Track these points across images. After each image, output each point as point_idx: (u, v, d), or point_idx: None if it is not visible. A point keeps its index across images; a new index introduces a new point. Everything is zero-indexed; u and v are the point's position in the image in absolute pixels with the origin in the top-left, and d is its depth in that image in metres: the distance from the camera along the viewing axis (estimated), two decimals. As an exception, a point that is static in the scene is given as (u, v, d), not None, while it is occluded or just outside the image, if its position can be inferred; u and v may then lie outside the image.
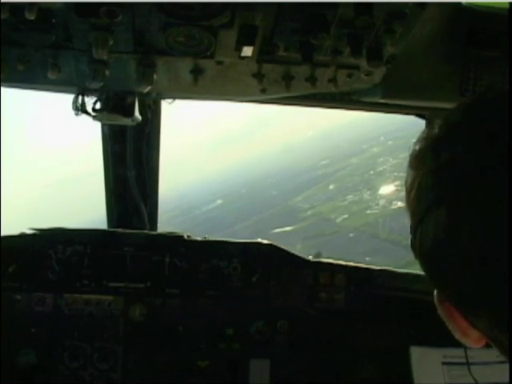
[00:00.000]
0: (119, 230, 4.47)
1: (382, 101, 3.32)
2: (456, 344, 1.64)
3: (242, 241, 4.25)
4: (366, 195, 47.59)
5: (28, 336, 3.96)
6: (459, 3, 2.57)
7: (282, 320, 4.07)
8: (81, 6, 2.33)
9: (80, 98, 3.41)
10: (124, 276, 4.03)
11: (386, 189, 47.46)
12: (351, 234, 33.62)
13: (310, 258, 4.22)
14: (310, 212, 44.71)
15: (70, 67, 2.87)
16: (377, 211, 40.28)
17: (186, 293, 4.04)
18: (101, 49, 2.48)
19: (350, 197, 47.48)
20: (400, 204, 42.49)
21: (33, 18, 2.27)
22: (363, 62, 2.76)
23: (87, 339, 4.02)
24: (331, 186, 53.08)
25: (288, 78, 2.97)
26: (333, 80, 3.00)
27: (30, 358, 3.93)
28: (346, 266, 4.17)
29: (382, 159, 62.71)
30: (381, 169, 59.24)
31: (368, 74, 2.98)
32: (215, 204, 58.50)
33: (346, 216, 40.46)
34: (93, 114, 3.46)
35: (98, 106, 3.44)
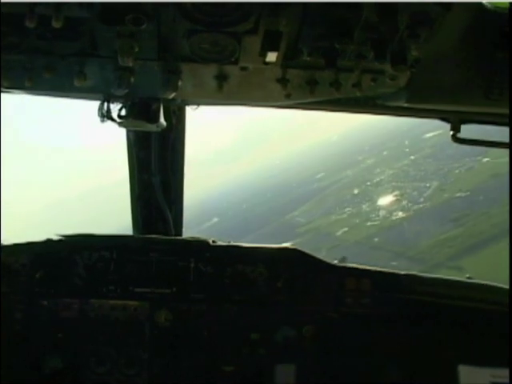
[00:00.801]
0: (145, 235, 4.51)
1: (407, 105, 3.29)
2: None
3: (266, 246, 4.25)
4: (365, 207, 47.16)
5: (54, 341, 4.01)
6: (482, 4, 2.53)
7: (308, 325, 4.05)
8: (107, 15, 2.35)
9: (105, 104, 3.45)
10: (150, 281, 4.06)
11: (385, 199, 46.88)
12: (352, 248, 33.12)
13: (336, 262, 4.20)
14: (308, 226, 44.29)
15: (96, 75, 2.90)
16: (378, 222, 39.76)
17: (211, 298, 4.05)
18: (126, 56, 2.50)
19: (348, 209, 47.05)
20: (401, 214, 42.01)
21: (59, 26, 2.30)
22: (387, 67, 2.73)
23: (113, 344, 4.06)
24: (328, 199, 52.65)
25: (312, 83, 2.97)
26: (357, 85, 2.98)
27: (57, 363, 3.98)
28: (371, 271, 4.15)
29: (378, 170, 61.95)
30: (378, 179, 58.56)
31: (392, 78, 2.96)
32: (211, 222, 57.90)
33: (346, 229, 40.13)
34: (118, 120, 3.49)
35: (123, 112, 3.47)
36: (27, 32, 2.47)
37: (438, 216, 37.88)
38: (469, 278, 4.31)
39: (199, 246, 4.13)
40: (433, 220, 36.33)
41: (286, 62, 2.77)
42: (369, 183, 56.45)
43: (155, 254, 4.06)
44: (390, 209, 43.77)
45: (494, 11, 2.55)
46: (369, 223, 41.03)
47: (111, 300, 4.04)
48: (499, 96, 3.01)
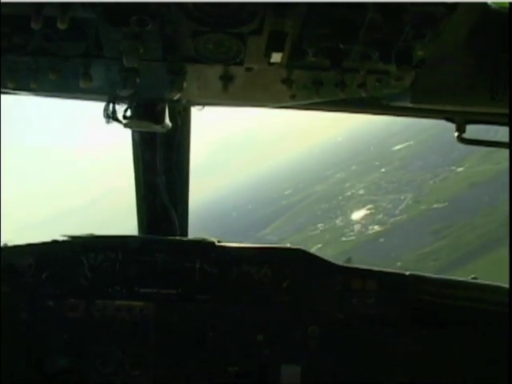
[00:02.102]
0: (150, 236, 4.50)
1: (411, 105, 3.30)
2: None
3: (272, 246, 4.25)
4: (339, 221, 47.02)
5: (60, 342, 4.00)
6: (487, 5, 2.56)
7: (313, 325, 4.05)
8: (112, 16, 2.35)
9: (111, 105, 3.45)
10: (155, 282, 4.06)
11: (359, 213, 46.75)
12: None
13: (341, 263, 4.20)
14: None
15: (101, 76, 2.91)
16: (353, 238, 39.66)
17: (216, 298, 4.05)
18: (131, 57, 2.50)
19: (320, 225, 46.87)
20: (377, 228, 41.95)
21: (64, 27, 2.30)
22: (392, 67, 2.75)
23: (118, 345, 4.06)
24: (300, 215, 52.44)
25: (318, 84, 2.97)
26: (362, 85, 2.99)
27: (62, 364, 3.97)
28: (376, 271, 4.16)
29: (348, 184, 62.01)
30: (349, 193, 58.57)
31: (397, 78, 2.97)
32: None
33: (320, 246, 39.84)
34: (123, 121, 3.49)
35: (128, 113, 3.48)
36: (33, 33, 2.48)
37: (416, 228, 37.66)
38: (474, 278, 4.32)
39: (205, 247, 4.13)
40: (412, 233, 35.97)
41: (290, 62, 2.77)
42: (340, 197, 56.45)
43: (160, 254, 4.06)
44: (365, 223, 43.63)
45: (499, 11, 2.57)
46: (343, 238, 40.96)
47: (117, 300, 4.04)
48: (504, 96, 3.02)
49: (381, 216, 45.16)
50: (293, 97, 3.11)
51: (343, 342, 4.07)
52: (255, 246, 4.25)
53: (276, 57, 2.65)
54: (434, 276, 4.28)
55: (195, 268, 4.05)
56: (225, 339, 4.04)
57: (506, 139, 3.77)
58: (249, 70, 2.86)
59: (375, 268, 4.19)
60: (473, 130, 3.81)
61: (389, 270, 4.23)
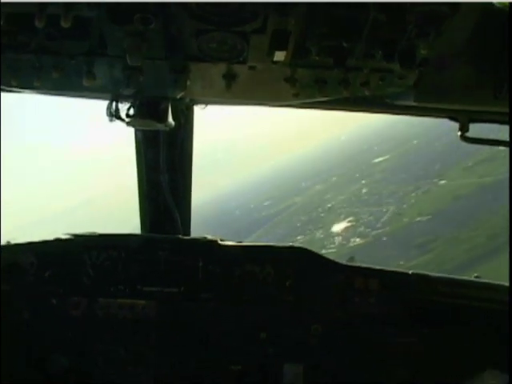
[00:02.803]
0: (153, 234, 4.49)
1: (415, 104, 3.31)
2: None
3: (274, 245, 4.25)
4: (319, 234, 46.81)
5: (62, 340, 3.99)
6: (490, 4, 2.57)
7: (316, 324, 4.05)
8: (115, 14, 2.36)
9: (114, 104, 3.45)
10: (158, 280, 4.05)
11: (340, 226, 46.39)
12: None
13: (344, 262, 4.21)
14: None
15: (105, 74, 2.91)
16: (334, 250, 39.28)
17: (219, 297, 4.05)
18: (135, 55, 2.51)
19: (300, 237, 46.46)
20: (359, 240, 41.70)
21: (68, 26, 2.31)
22: (396, 66, 2.75)
23: (121, 343, 4.05)
24: (280, 226, 52.15)
25: (321, 82, 2.97)
26: (366, 84, 3.00)
27: (64, 362, 3.96)
28: (379, 270, 4.16)
29: (328, 196, 61.86)
30: (329, 205, 58.41)
31: (401, 77, 2.97)
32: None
33: None
34: (127, 119, 3.49)
35: (131, 111, 3.48)
36: (36, 32, 2.48)
37: (400, 242, 37.35)
38: (477, 277, 4.33)
39: (207, 246, 4.12)
40: (395, 246, 35.48)
41: (294, 61, 2.78)
42: (320, 209, 56.31)
43: (163, 253, 4.05)
44: (346, 235, 43.36)
45: (502, 11, 2.58)
46: (323, 251, 40.92)
47: (119, 299, 4.03)
48: (507, 95, 3.04)
49: (362, 228, 45.00)
50: (296, 95, 3.11)
51: (345, 341, 4.07)
52: (258, 244, 4.25)
53: (279, 55, 2.66)
54: (437, 275, 4.28)
55: (198, 267, 4.04)
56: (227, 338, 4.04)
57: (507, 138, 3.79)
58: (252, 68, 2.87)
59: (377, 267, 4.19)
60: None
61: (391, 268, 4.23)
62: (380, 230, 42.41)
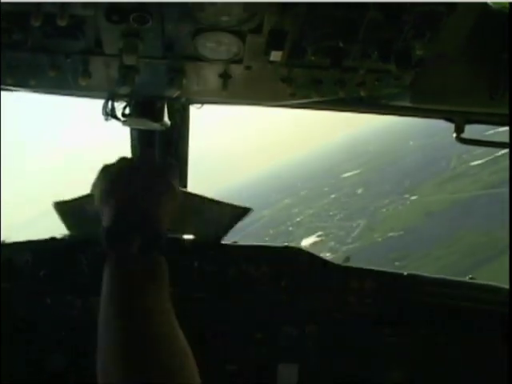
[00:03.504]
0: None
1: (411, 105, 3.31)
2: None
3: (269, 245, 4.25)
4: None
5: (57, 339, 3.99)
6: (487, 5, 2.56)
7: (311, 324, 4.05)
8: (112, 13, 2.35)
9: (110, 103, 3.46)
10: None
11: (309, 240, 46.32)
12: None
13: (339, 262, 4.21)
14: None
15: (101, 73, 2.91)
16: None
17: (214, 297, 4.04)
18: (131, 55, 2.51)
19: None
20: (329, 255, 41.56)
21: (64, 24, 2.31)
22: (392, 66, 2.75)
23: None
24: (245, 241, 51.58)
25: (317, 83, 2.97)
26: (362, 84, 3.01)
27: (60, 362, 3.95)
28: (374, 271, 4.16)
29: (297, 210, 61.68)
30: (298, 219, 58.22)
31: (397, 78, 2.98)
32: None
33: None
34: (122, 119, 3.50)
35: (127, 111, 3.49)
36: (32, 30, 2.47)
37: (371, 257, 37.49)
38: (471, 278, 4.33)
39: (202, 246, 4.12)
40: (367, 262, 35.67)
41: (290, 61, 2.77)
42: (289, 223, 56.26)
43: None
44: (316, 250, 43.50)
45: (499, 11, 2.57)
46: None
47: None
48: (503, 96, 3.03)
49: (332, 243, 45.04)
50: (292, 95, 3.11)
51: (341, 342, 4.07)
52: (253, 244, 4.24)
53: (276, 55, 2.66)
54: (432, 276, 4.28)
55: (193, 266, 4.04)
56: (222, 338, 4.04)
57: (503, 140, 3.78)
58: (248, 68, 2.87)
59: (373, 268, 4.19)
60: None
61: (386, 269, 4.23)
62: (351, 246, 42.49)
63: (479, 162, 56.62)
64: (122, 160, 2.85)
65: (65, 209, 3.91)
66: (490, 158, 55.44)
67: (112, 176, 2.73)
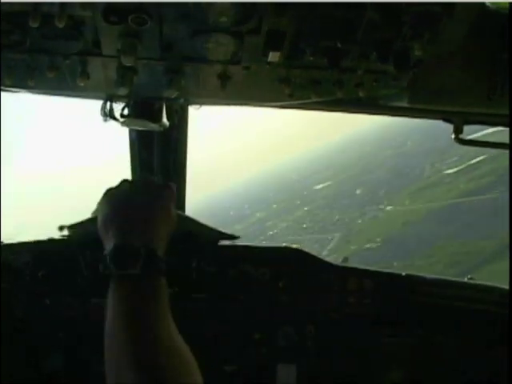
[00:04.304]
0: None
1: (409, 106, 3.31)
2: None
3: (269, 245, 4.26)
4: None
5: (56, 340, 3.98)
6: (485, 5, 2.57)
7: (310, 325, 4.05)
8: (110, 14, 2.35)
9: (108, 104, 3.46)
10: None
11: None
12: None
13: (337, 263, 4.21)
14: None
15: (99, 74, 2.90)
16: None
17: (213, 297, 4.04)
18: (129, 56, 2.51)
19: None
20: None
21: (62, 25, 2.31)
22: (390, 67, 2.76)
23: None
24: None
25: (315, 83, 2.98)
26: (360, 85, 3.01)
27: (58, 362, 3.95)
28: (373, 272, 4.16)
29: (270, 223, 61.37)
30: (271, 233, 57.93)
31: (395, 78, 2.98)
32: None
33: None
34: (121, 119, 3.50)
35: (126, 111, 3.49)
36: (30, 31, 2.47)
37: None
38: (470, 278, 4.33)
39: (202, 246, 4.12)
40: None
41: (288, 61, 2.78)
42: (262, 237, 56.02)
43: None
44: None
45: (497, 12, 2.58)
46: None
47: None
48: (502, 97, 3.03)
49: None
50: (290, 96, 3.10)
51: (339, 342, 4.07)
52: (252, 245, 4.24)
53: (274, 56, 2.66)
54: (431, 277, 4.28)
55: (192, 267, 4.03)
56: (221, 338, 4.03)
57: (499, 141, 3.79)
58: (246, 68, 2.87)
59: (371, 268, 4.19)
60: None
61: (385, 270, 4.23)
62: (327, 258, 42.23)
63: (453, 170, 56.55)
64: (124, 183, 3.10)
65: (70, 232, 3.94)
66: (463, 166, 55.39)
67: (113, 201, 2.98)
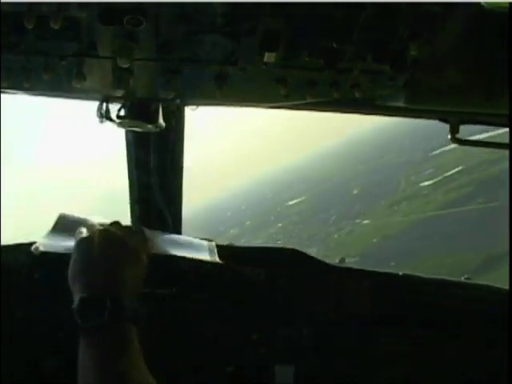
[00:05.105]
0: None
1: (406, 106, 3.31)
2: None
3: (265, 246, 4.25)
4: None
5: (53, 341, 3.97)
6: (482, 5, 2.57)
7: (307, 326, 4.04)
8: (105, 15, 2.35)
9: (104, 105, 3.45)
10: (148, 281, 4.02)
11: None
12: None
13: (334, 263, 4.21)
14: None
15: (95, 75, 2.90)
16: None
17: (210, 298, 4.03)
18: (125, 57, 2.51)
19: None
20: None
21: (58, 27, 2.31)
22: (386, 68, 2.76)
23: None
24: None
25: (311, 84, 2.97)
26: (356, 85, 3.00)
27: (56, 363, 3.93)
28: (370, 272, 4.15)
29: (243, 240, 61.12)
30: None
31: (392, 78, 2.97)
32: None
33: None
34: (117, 120, 3.50)
35: (122, 112, 3.48)
36: (26, 32, 2.46)
37: None
38: (467, 278, 4.33)
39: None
40: None
41: (285, 62, 2.77)
42: None
43: (154, 255, 4.02)
44: None
45: (494, 11, 2.58)
46: None
47: None
48: (499, 97, 3.03)
49: None
50: (287, 96, 3.10)
51: (337, 342, 4.06)
52: (249, 246, 4.25)
53: (270, 56, 2.65)
54: (428, 277, 4.28)
55: (189, 268, 4.02)
56: (219, 339, 4.02)
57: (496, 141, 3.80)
58: (243, 69, 2.86)
59: (369, 268, 4.18)
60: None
61: (382, 270, 4.23)
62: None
63: (429, 182, 56.40)
64: (93, 233, 3.19)
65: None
66: (440, 178, 55.21)
67: (80, 253, 3.15)
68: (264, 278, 4.05)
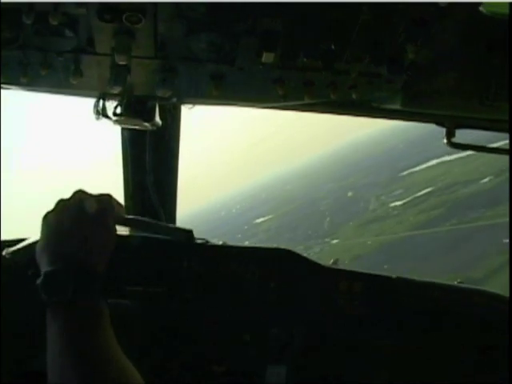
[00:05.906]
0: (138, 234, 4.47)
1: (402, 108, 3.31)
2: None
3: (259, 246, 4.23)
4: None
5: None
6: (479, 9, 2.58)
7: (300, 326, 4.04)
8: (104, 12, 2.35)
9: (101, 102, 3.45)
10: (141, 280, 4.01)
11: None
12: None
13: (328, 265, 4.20)
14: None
15: (92, 72, 2.90)
16: None
17: (202, 298, 4.02)
18: (123, 54, 2.51)
19: None
20: None
21: (56, 22, 2.30)
22: (384, 70, 2.76)
23: None
24: None
25: (309, 85, 2.97)
26: (353, 87, 3.01)
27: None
28: (364, 274, 4.15)
29: None
30: None
31: (388, 81, 2.98)
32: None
33: None
34: (113, 118, 3.49)
35: (118, 110, 3.48)
36: (24, 27, 2.46)
37: None
38: (460, 282, 4.34)
39: (192, 246, 4.10)
40: None
41: (282, 62, 2.77)
42: None
43: (147, 252, 4.01)
44: None
45: (491, 16, 2.59)
46: None
47: None
48: (495, 101, 3.04)
49: None
50: (284, 97, 3.10)
51: (329, 344, 4.06)
52: (243, 245, 4.23)
53: (268, 57, 2.65)
54: (421, 280, 4.28)
55: (182, 267, 4.01)
56: (211, 338, 4.02)
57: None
58: (240, 69, 2.87)
59: (362, 270, 4.18)
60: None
61: (375, 272, 4.23)
62: None
63: (400, 202, 56.21)
64: (60, 203, 2.93)
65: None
66: (410, 198, 55.03)
67: (44, 227, 2.90)
68: (257, 278, 4.04)
